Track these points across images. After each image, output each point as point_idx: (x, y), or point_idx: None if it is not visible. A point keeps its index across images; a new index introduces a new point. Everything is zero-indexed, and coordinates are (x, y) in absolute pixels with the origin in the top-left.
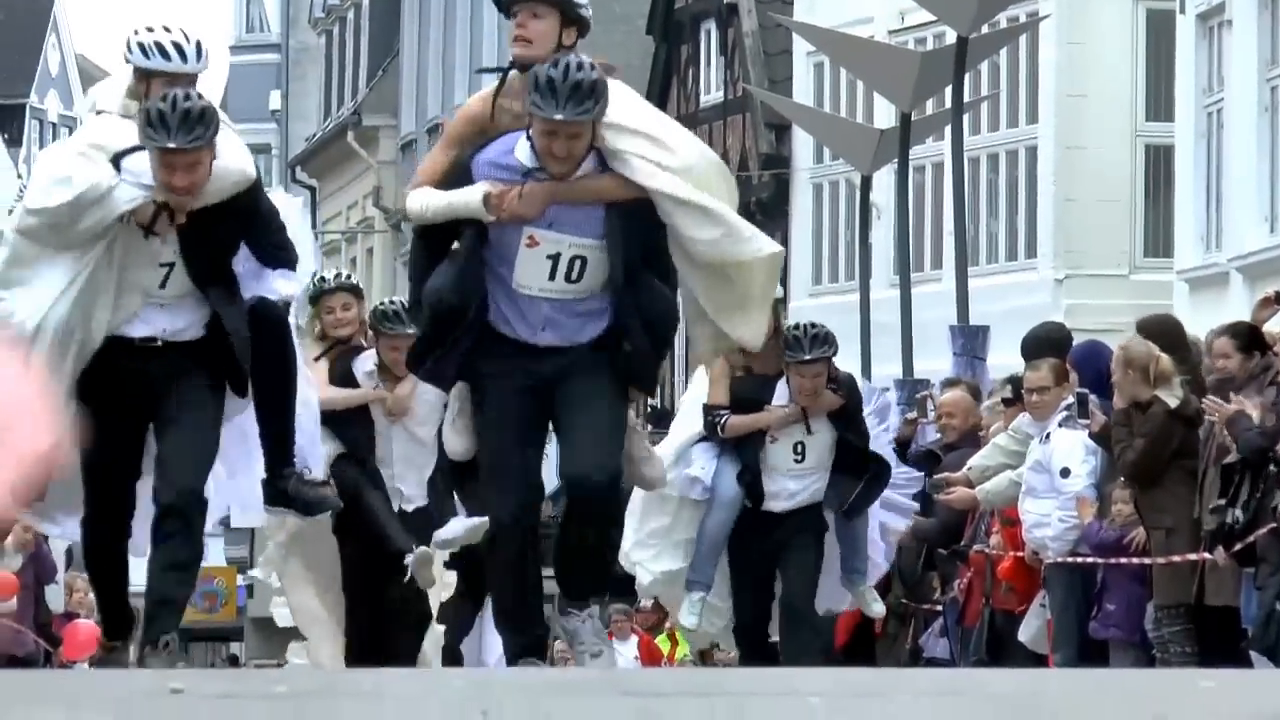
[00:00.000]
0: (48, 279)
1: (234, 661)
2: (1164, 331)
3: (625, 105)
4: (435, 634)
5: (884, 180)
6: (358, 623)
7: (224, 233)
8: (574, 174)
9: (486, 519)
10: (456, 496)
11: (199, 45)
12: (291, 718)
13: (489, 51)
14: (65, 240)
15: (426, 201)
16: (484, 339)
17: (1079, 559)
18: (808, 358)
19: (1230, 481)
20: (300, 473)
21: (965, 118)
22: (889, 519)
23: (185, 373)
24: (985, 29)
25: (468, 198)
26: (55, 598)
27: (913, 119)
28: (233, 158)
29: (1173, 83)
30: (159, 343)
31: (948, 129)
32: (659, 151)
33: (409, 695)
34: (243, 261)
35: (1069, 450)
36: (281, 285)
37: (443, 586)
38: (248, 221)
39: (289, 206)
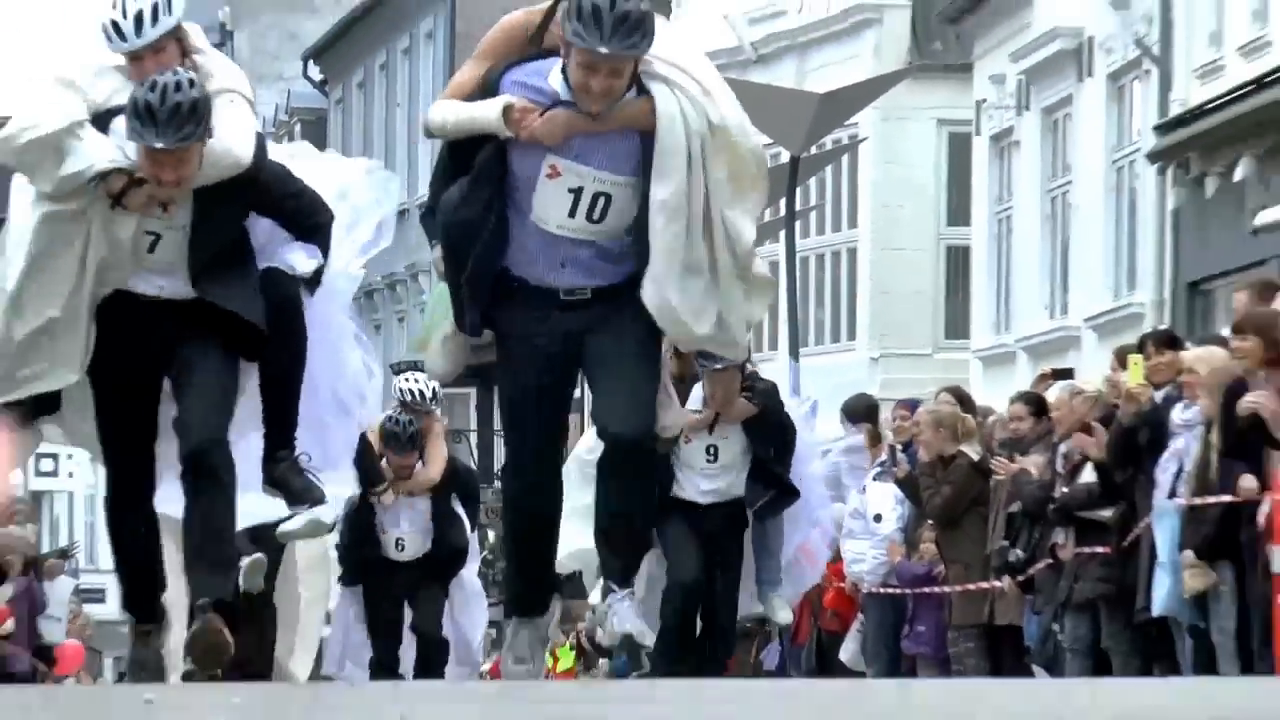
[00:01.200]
0: (19, 242)
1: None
2: (958, 400)
3: (675, 44)
4: (305, 639)
5: None
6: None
7: (227, 211)
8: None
9: (328, 506)
10: None
11: (149, 10)
12: None
13: (409, 182)
14: (47, 179)
15: (447, 114)
16: (503, 284)
17: (890, 589)
18: (718, 366)
19: (1012, 526)
20: (295, 460)
21: (797, 224)
22: (815, 536)
23: (194, 332)
24: (814, 150)
25: (488, 111)
26: (54, 630)
27: None
28: (226, 137)
29: (969, 194)
30: (162, 298)
31: (782, 234)
32: (703, 96)
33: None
34: (259, 232)
35: (881, 500)
36: (298, 259)
37: (317, 597)
38: (248, 196)
39: (312, 164)
